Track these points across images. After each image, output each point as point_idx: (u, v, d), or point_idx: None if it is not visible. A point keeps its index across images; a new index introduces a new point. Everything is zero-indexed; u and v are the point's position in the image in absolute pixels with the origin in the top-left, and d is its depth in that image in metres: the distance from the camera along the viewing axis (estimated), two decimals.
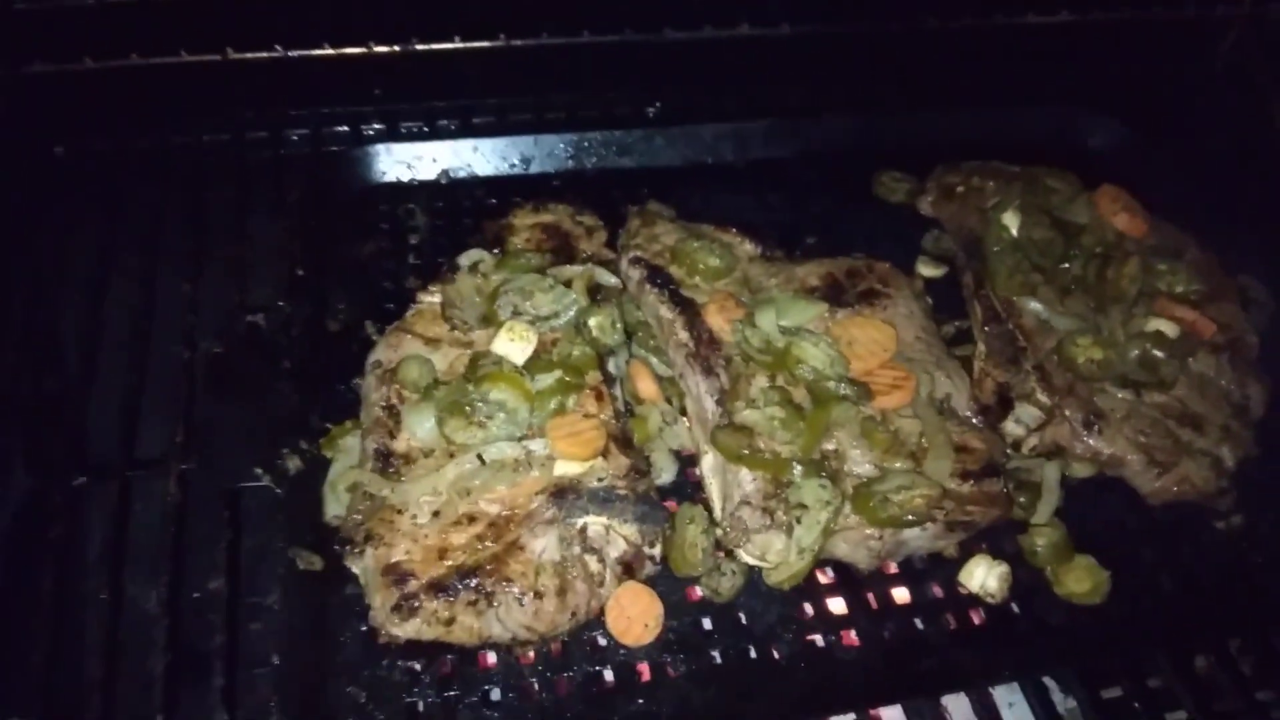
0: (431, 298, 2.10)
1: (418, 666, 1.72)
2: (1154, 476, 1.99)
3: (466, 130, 2.57)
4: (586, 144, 2.62)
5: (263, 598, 1.73)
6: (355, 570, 1.75)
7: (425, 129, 2.55)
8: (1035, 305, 2.18)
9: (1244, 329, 2.23)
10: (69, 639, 1.65)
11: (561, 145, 2.60)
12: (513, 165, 2.57)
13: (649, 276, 2.17)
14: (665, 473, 2.04)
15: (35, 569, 1.70)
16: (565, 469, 1.81)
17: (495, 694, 1.72)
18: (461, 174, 2.53)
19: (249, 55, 2.36)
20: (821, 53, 2.71)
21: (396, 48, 2.44)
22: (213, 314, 2.05)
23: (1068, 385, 2.06)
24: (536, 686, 1.73)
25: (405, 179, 2.50)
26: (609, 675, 1.76)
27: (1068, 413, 2.03)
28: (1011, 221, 2.32)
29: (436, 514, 1.75)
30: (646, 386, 2.09)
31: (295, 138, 2.44)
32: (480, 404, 1.84)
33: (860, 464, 1.90)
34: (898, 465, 1.88)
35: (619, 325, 2.06)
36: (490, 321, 2.03)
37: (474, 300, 2.07)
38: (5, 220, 2.18)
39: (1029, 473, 2.06)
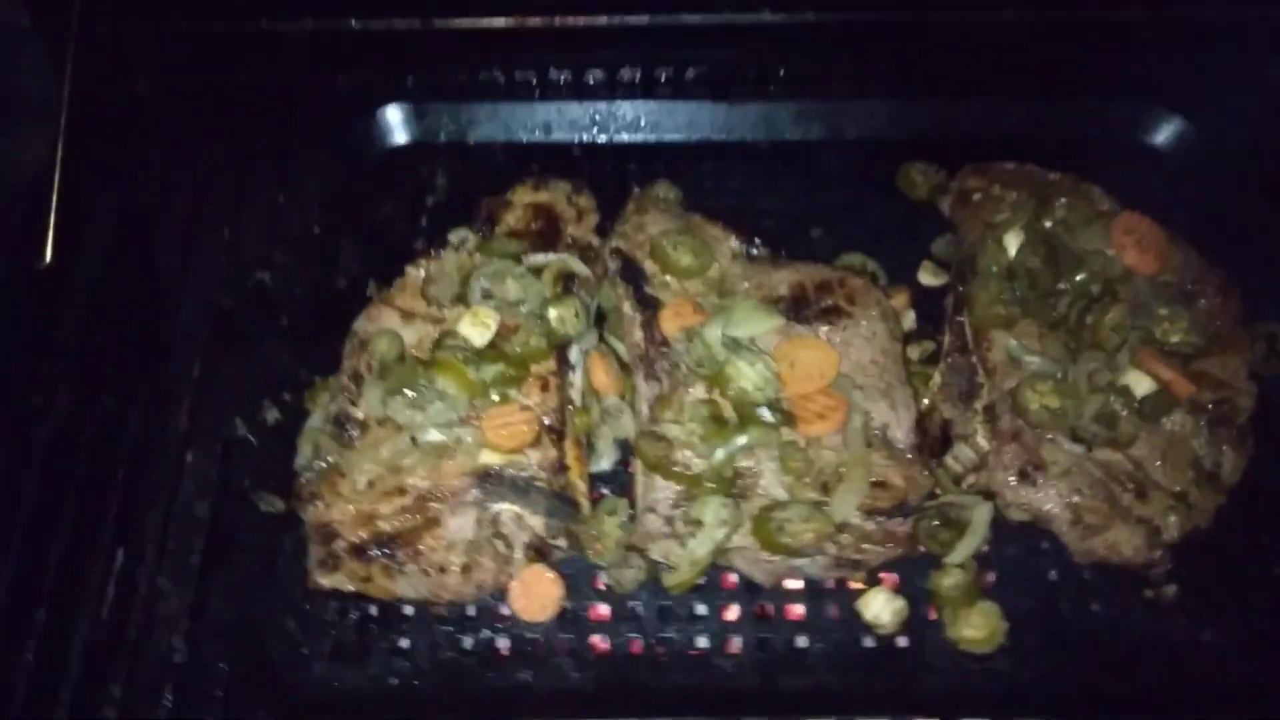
0: (417, 271, 2.28)
1: (344, 607, 1.99)
2: (1079, 537, 1.96)
3: (494, 93, 2.65)
4: (610, 114, 2.66)
5: (228, 533, 2.04)
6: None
7: (454, 92, 2.65)
8: (1009, 341, 2.12)
9: (1239, 389, 2.08)
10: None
11: (586, 113, 2.66)
12: (535, 132, 2.65)
13: (621, 269, 2.26)
14: (604, 460, 2.18)
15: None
16: (491, 457, 2.00)
17: (404, 642, 1.98)
18: (485, 138, 2.65)
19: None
20: (861, 34, 2.60)
21: (424, 22, 2.56)
22: (228, 267, 2.31)
23: (1013, 431, 2.02)
24: (441, 643, 1.97)
25: (430, 140, 2.64)
26: (505, 644, 1.98)
27: (1003, 461, 2.00)
28: (1011, 243, 2.23)
29: (371, 484, 1.99)
30: (600, 378, 2.21)
31: (327, 97, 2.61)
32: (424, 388, 2.03)
33: (772, 487, 1.98)
34: (807, 494, 1.95)
35: (581, 316, 2.18)
36: (463, 302, 2.20)
37: (453, 278, 2.23)
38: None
39: (961, 509, 2.06)
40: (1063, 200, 2.26)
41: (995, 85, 2.63)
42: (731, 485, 1.97)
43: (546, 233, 2.34)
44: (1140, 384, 2.03)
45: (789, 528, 1.89)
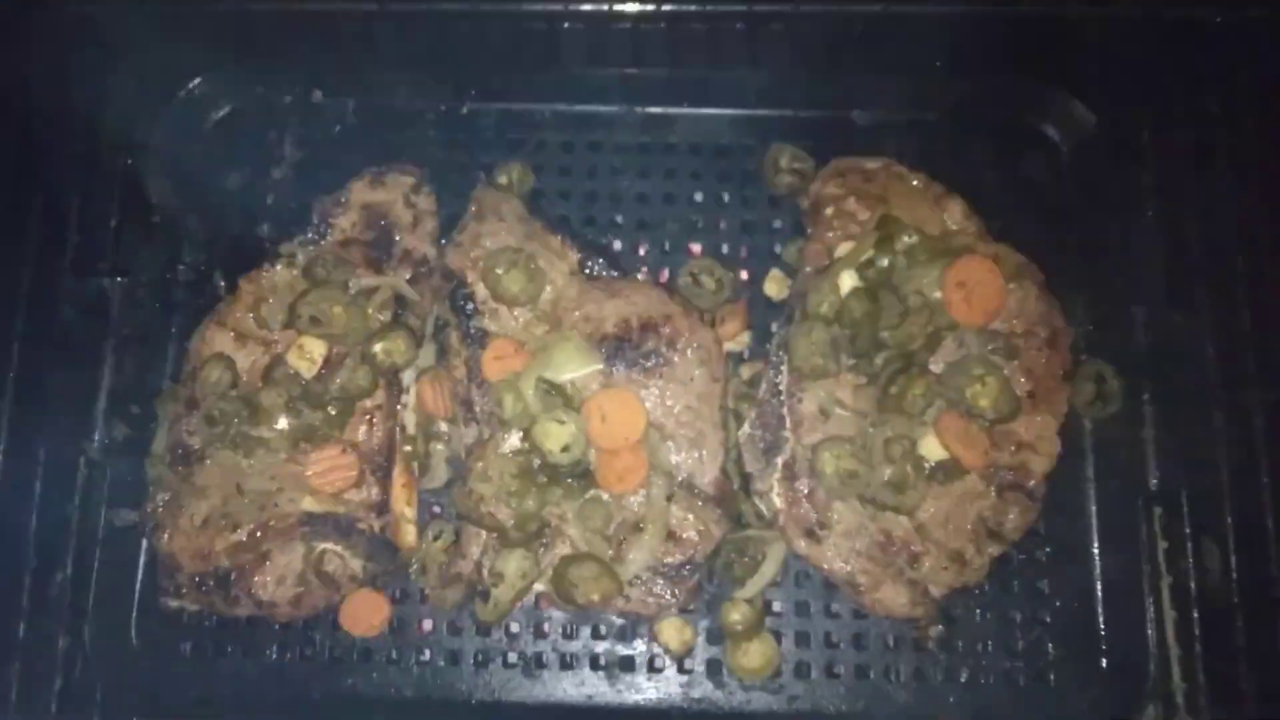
0: (249, 287, 2.28)
1: (193, 608, 2.23)
2: (852, 593, 2.13)
3: (346, 43, 2.44)
4: (480, 75, 2.48)
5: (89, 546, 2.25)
6: None
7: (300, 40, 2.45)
8: (821, 394, 2.16)
9: (1039, 453, 2.14)
10: None
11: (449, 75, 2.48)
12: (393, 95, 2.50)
13: (452, 294, 2.25)
14: (436, 478, 2.31)
15: None
16: (313, 504, 2.14)
17: (251, 648, 2.24)
18: (335, 95, 2.50)
19: None
20: None
21: None
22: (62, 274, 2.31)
23: (805, 492, 2.12)
24: (274, 647, 2.24)
25: (276, 101, 2.49)
26: (337, 652, 2.24)
27: (793, 518, 2.12)
28: (845, 283, 2.18)
29: (206, 521, 2.15)
30: (429, 403, 2.27)
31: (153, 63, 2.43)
32: (248, 435, 2.13)
33: (575, 537, 2.13)
34: (604, 549, 2.10)
35: (409, 345, 2.21)
36: (293, 325, 2.22)
37: (283, 297, 2.24)
38: None
39: (759, 543, 2.22)
40: (908, 237, 2.18)
41: (886, 62, 2.40)
42: (538, 535, 2.12)
43: (379, 242, 2.30)
44: (935, 450, 2.09)
45: (580, 585, 2.07)
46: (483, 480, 2.11)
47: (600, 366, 2.15)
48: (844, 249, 2.23)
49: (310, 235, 2.30)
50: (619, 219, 2.46)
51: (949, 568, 2.13)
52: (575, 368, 2.15)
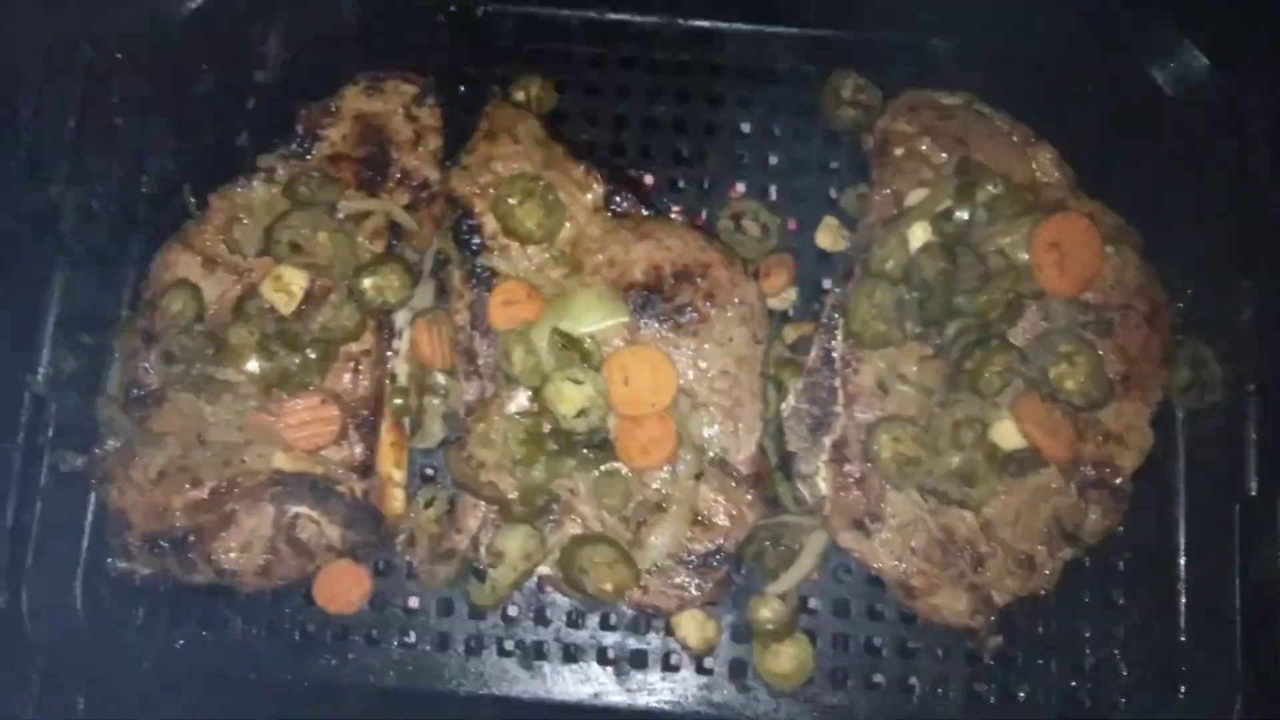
0: (221, 204, 1.96)
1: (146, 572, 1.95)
2: (904, 596, 1.85)
3: None
4: None
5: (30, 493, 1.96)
6: None
7: None
8: (880, 365, 1.86)
9: (1128, 446, 1.85)
10: None
11: None
12: None
13: (456, 226, 1.94)
14: (429, 438, 2.02)
15: None
16: (286, 460, 1.85)
17: (213, 618, 1.97)
18: None
19: None
20: None
21: None
22: (7, 182, 1.99)
23: (857, 476, 1.83)
24: (238, 620, 1.96)
25: None
26: (310, 629, 1.97)
27: (840, 507, 1.84)
28: (916, 237, 1.87)
29: (162, 473, 1.86)
30: (425, 350, 1.97)
31: None
32: (215, 375, 1.83)
33: (588, 515, 1.84)
34: (621, 531, 1.82)
35: (404, 281, 1.90)
36: (270, 252, 1.91)
37: (260, 219, 1.92)
38: None
39: (796, 532, 1.94)
40: (992, 186, 1.86)
41: None
42: (545, 512, 1.84)
43: (375, 159, 1.98)
44: (1010, 438, 1.81)
45: (592, 572, 1.79)
46: (484, 445, 1.82)
47: (625, 319, 1.85)
48: (915, 197, 1.91)
49: (294, 147, 1.98)
50: (652, 149, 2.14)
51: (1016, 573, 1.85)
52: (596, 319, 1.85)
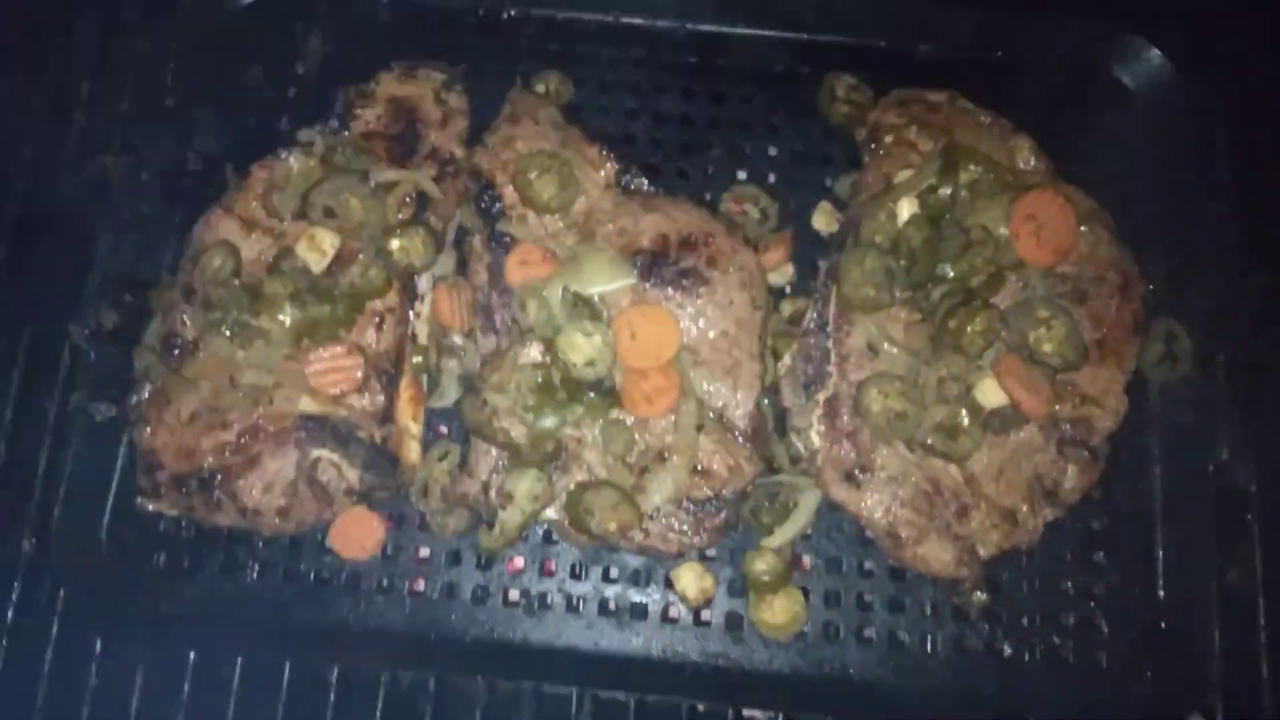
0: (262, 174, 2.12)
1: (178, 519, 2.05)
2: (891, 545, 1.94)
3: None
4: None
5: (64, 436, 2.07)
6: None
7: None
8: (870, 328, 1.98)
9: (1104, 408, 1.96)
10: None
11: None
12: None
13: (478, 196, 2.09)
14: (446, 396, 2.14)
15: None
16: (311, 404, 1.96)
17: (232, 563, 2.06)
18: None
19: None
20: None
21: None
22: (65, 152, 2.15)
23: (848, 430, 1.94)
24: (255, 565, 2.05)
25: None
26: (324, 574, 2.05)
27: (832, 459, 1.94)
28: (903, 210, 2.02)
29: (193, 416, 1.97)
30: (445, 313, 2.11)
31: None
32: (247, 324, 1.96)
33: (594, 463, 1.95)
34: (626, 476, 1.92)
35: (428, 245, 2.04)
36: (305, 215, 2.06)
37: (297, 187, 2.08)
38: None
39: (791, 489, 2.04)
40: (974, 166, 2.01)
41: None
42: (553, 457, 1.94)
43: (406, 137, 2.15)
44: (992, 395, 1.92)
45: (597, 514, 1.89)
46: (498, 392, 1.94)
47: (633, 281, 1.99)
48: (904, 175, 2.07)
49: (332, 124, 2.14)
50: (661, 140, 2.30)
51: (999, 526, 1.94)
52: (606, 280, 1.98)
